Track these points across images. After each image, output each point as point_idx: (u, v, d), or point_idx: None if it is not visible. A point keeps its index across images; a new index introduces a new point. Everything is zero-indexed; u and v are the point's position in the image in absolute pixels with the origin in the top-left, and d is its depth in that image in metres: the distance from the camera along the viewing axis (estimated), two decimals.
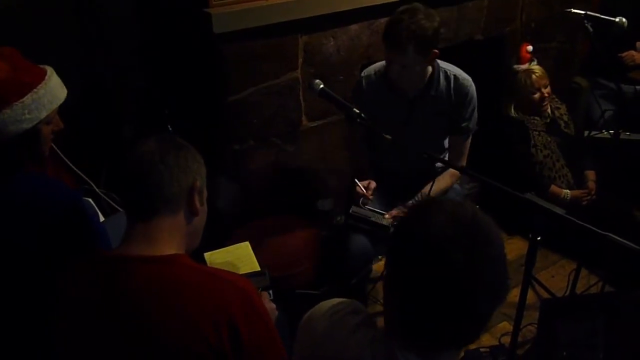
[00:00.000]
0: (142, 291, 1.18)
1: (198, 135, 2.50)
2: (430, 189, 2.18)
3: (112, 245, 1.59)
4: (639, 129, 3.13)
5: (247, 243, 2.15)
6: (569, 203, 2.90)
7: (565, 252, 2.97)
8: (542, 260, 2.93)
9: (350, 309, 1.17)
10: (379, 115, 2.20)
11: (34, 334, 1.51)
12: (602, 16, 2.53)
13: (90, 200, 1.98)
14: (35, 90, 1.50)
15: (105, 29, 2.60)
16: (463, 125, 2.36)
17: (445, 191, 2.42)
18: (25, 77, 1.49)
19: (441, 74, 2.29)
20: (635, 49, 3.30)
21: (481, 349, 2.41)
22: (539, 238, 1.74)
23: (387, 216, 2.25)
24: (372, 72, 2.37)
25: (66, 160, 1.96)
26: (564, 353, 1.95)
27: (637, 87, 3.34)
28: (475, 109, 2.36)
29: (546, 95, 2.96)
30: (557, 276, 2.89)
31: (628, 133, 3.06)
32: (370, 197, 2.29)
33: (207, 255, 2.09)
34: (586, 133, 3.16)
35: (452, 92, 2.30)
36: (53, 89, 1.55)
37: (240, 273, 1.93)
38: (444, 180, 2.39)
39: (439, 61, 2.30)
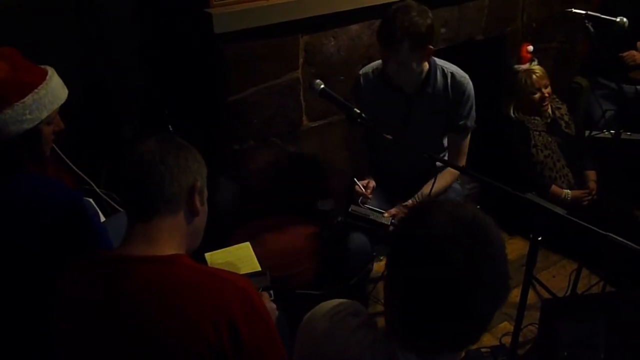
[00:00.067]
0: (142, 291, 1.18)
1: (198, 135, 2.50)
2: (432, 187, 2.18)
3: (113, 245, 1.59)
4: None
5: (247, 243, 2.16)
6: (569, 203, 2.90)
7: (566, 252, 2.97)
8: (543, 260, 2.93)
9: (351, 310, 1.17)
10: (378, 112, 2.21)
11: (34, 334, 1.50)
12: (603, 16, 2.53)
13: (90, 200, 1.98)
14: (36, 90, 1.50)
15: (105, 29, 2.60)
16: (461, 123, 2.36)
17: (445, 189, 2.42)
18: (26, 77, 1.49)
19: (438, 71, 2.30)
20: (636, 48, 3.30)
21: (482, 349, 2.41)
22: (539, 238, 1.74)
23: (386, 215, 2.25)
24: (370, 70, 2.38)
25: (66, 160, 1.96)
26: (565, 353, 1.95)
27: (638, 87, 3.33)
28: (473, 107, 2.37)
29: (546, 95, 2.96)
30: (558, 276, 2.88)
31: (629, 133, 3.06)
32: (370, 196, 2.29)
33: (207, 255, 2.09)
34: (587, 133, 3.15)
35: (449, 89, 2.30)
36: (54, 89, 1.55)
37: (241, 273, 1.93)
38: (444, 178, 2.39)
39: (435, 59, 2.31)
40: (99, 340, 1.20)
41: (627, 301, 2.06)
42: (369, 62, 2.47)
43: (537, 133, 2.96)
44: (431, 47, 2.16)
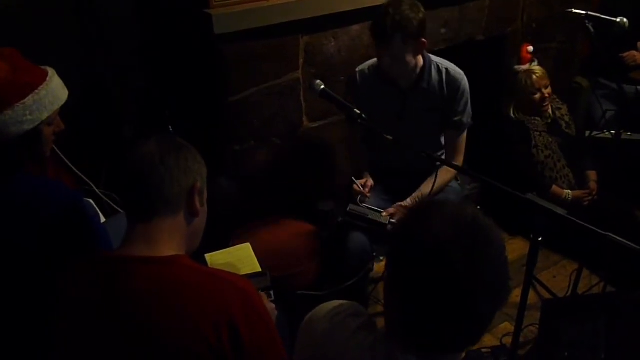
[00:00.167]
0: (142, 291, 1.18)
1: (198, 136, 2.50)
2: (434, 185, 2.21)
3: (113, 246, 1.59)
4: None
5: (247, 244, 2.15)
6: (570, 203, 2.89)
7: (567, 252, 2.97)
8: (543, 260, 2.93)
9: (351, 311, 1.17)
10: (373, 108, 2.23)
11: (34, 334, 1.50)
12: (603, 16, 2.53)
13: (91, 201, 1.98)
14: (36, 91, 1.50)
15: (105, 29, 2.60)
16: (456, 119, 2.38)
17: (443, 187, 2.42)
18: (26, 77, 1.49)
19: (433, 67, 2.32)
20: (636, 49, 3.29)
21: (483, 350, 2.41)
22: (540, 238, 1.74)
23: (384, 214, 2.26)
24: (366, 67, 2.41)
25: (66, 161, 1.96)
26: (566, 353, 1.95)
27: (639, 87, 3.34)
28: (469, 103, 2.38)
29: (547, 95, 2.96)
30: (558, 276, 2.88)
31: (629, 133, 3.06)
32: (368, 195, 2.30)
33: (208, 256, 2.08)
34: (587, 133, 3.15)
35: (444, 85, 2.33)
36: (54, 90, 1.55)
37: (241, 274, 1.93)
38: (442, 177, 2.39)
39: (431, 55, 2.34)
40: (99, 340, 1.20)
41: (628, 301, 2.05)
42: None
43: (538, 133, 2.96)
44: (424, 40, 2.18)
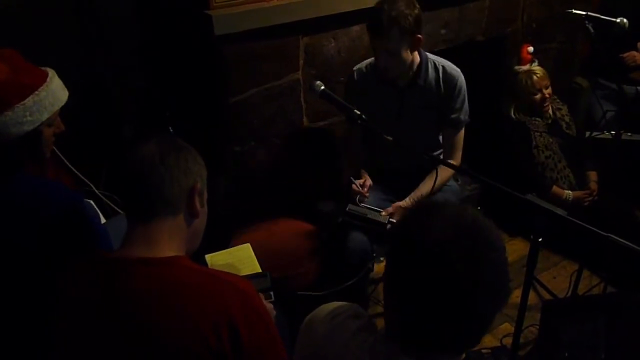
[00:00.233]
0: (142, 291, 1.18)
1: (198, 136, 2.50)
2: (434, 184, 2.22)
3: (114, 247, 1.59)
4: None
5: (248, 245, 2.15)
6: (571, 204, 2.89)
7: (567, 253, 2.97)
8: (543, 261, 2.93)
9: (351, 312, 1.17)
10: (371, 106, 2.24)
11: (34, 334, 1.50)
12: (603, 17, 2.53)
13: (91, 201, 1.98)
14: (36, 92, 1.50)
15: (105, 29, 2.60)
16: (453, 116, 2.38)
17: (441, 185, 2.43)
18: (26, 78, 1.49)
19: (429, 64, 2.34)
20: (636, 49, 3.29)
21: (483, 350, 2.41)
22: (540, 239, 1.74)
23: (383, 213, 2.27)
24: (363, 66, 2.43)
25: (66, 162, 1.96)
26: (566, 354, 1.95)
27: (639, 87, 3.34)
28: (466, 100, 2.39)
29: (547, 96, 2.96)
30: (558, 277, 2.88)
31: (629, 134, 3.06)
32: (367, 194, 2.31)
33: (208, 257, 2.08)
34: (588, 134, 3.15)
35: (441, 82, 2.34)
36: (55, 91, 1.55)
37: (242, 275, 1.93)
38: (440, 174, 2.39)
39: (427, 53, 2.35)
40: (99, 340, 1.20)
41: (628, 302, 2.06)
42: None
43: (538, 134, 2.96)
44: (419, 36, 2.19)
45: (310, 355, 1.17)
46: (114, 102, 2.72)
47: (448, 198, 2.44)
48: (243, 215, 2.53)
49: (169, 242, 1.26)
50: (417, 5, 2.18)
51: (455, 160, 2.45)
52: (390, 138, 1.91)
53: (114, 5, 2.62)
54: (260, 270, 1.99)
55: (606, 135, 3.06)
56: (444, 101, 2.36)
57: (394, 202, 2.37)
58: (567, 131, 3.06)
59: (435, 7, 2.83)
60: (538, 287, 2.61)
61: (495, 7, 3.10)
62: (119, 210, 2.13)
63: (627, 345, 1.94)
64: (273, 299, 1.74)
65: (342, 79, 2.65)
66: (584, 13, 2.50)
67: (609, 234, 1.54)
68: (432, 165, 2.31)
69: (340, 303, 1.20)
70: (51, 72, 1.58)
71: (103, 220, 2.01)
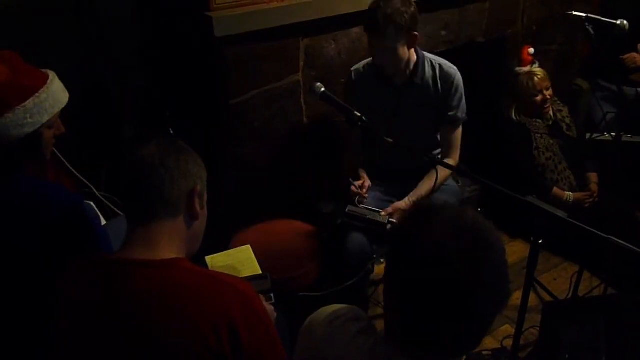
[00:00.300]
0: (142, 292, 1.18)
1: (198, 137, 2.49)
2: (435, 184, 2.23)
3: (114, 249, 1.59)
4: None
5: (248, 246, 2.15)
6: (571, 206, 2.89)
7: (568, 255, 2.97)
8: (544, 263, 2.93)
9: (351, 315, 1.17)
10: (369, 105, 2.25)
11: (34, 334, 1.50)
12: (603, 19, 2.53)
13: (91, 203, 1.98)
14: (37, 94, 1.50)
15: (105, 29, 2.60)
16: (451, 114, 2.39)
17: (440, 185, 2.43)
18: (27, 81, 1.49)
19: (426, 62, 2.35)
20: (636, 51, 3.30)
21: (483, 352, 2.41)
22: (540, 241, 1.74)
23: (383, 213, 2.27)
24: (361, 66, 2.45)
25: (67, 164, 1.96)
26: (566, 356, 1.95)
27: (639, 89, 3.34)
28: (463, 98, 2.40)
29: (548, 97, 2.96)
30: (559, 279, 2.88)
31: (630, 135, 3.06)
32: (366, 195, 2.31)
33: (208, 258, 2.08)
34: (588, 135, 3.15)
35: (438, 81, 2.35)
36: (55, 93, 1.55)
37: (242, 276, 1.93)
38: (438, 175, 2.40)
39: (424, 52, 2.36)
40: (99, 340, 1.20)
41: (629, 304, 2.05)
42: None
43: (539, 135, 2.96)
44: (416, 33, 2.21)
45: (310, 358, 1.17)
46: (114, 102, 2.72)
47: (448, 199, 2.44)
48: (243, 216, 2.53)
49: (169, 244, 1.26)
50: (413, 3, 2.19)
51: (453, 159, 2.46)
52: (390, 140, 1.91)
53: (114, 5, 2.62)
54: (261, 272, 1.99)
55: (606, 136, 3.06)
56: (441, 99, 2.37)
57: (393, 202, 2.38)
58: (568, 133, 3.06)
59: (436, 9, 2.83)
60: (538, 288, 2.61)
61: (495, 9, 3.10)
62: (119, 212, 2.12)
63: (627, 347, 1.94)
64: (273, 300, 1.74)
65: (342, 80, 2.64)
66: (584, 15, 2.51)
67: (610, 236, 1.54)
68: (431, 165, 2.32)
69: (339, 305, 1.20)
70: (52, 74, 1.58)
71: (103, 222, 2.01)
